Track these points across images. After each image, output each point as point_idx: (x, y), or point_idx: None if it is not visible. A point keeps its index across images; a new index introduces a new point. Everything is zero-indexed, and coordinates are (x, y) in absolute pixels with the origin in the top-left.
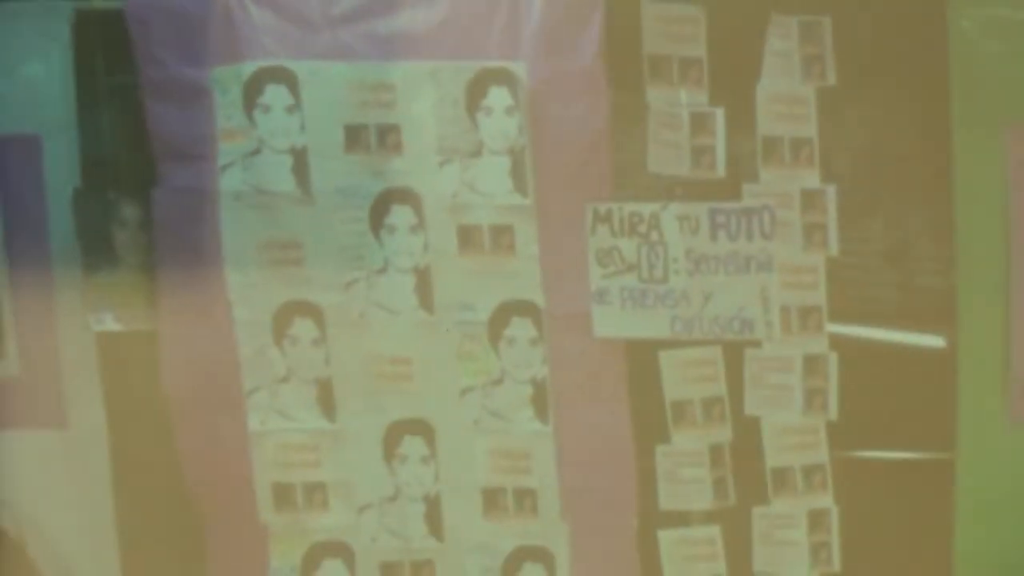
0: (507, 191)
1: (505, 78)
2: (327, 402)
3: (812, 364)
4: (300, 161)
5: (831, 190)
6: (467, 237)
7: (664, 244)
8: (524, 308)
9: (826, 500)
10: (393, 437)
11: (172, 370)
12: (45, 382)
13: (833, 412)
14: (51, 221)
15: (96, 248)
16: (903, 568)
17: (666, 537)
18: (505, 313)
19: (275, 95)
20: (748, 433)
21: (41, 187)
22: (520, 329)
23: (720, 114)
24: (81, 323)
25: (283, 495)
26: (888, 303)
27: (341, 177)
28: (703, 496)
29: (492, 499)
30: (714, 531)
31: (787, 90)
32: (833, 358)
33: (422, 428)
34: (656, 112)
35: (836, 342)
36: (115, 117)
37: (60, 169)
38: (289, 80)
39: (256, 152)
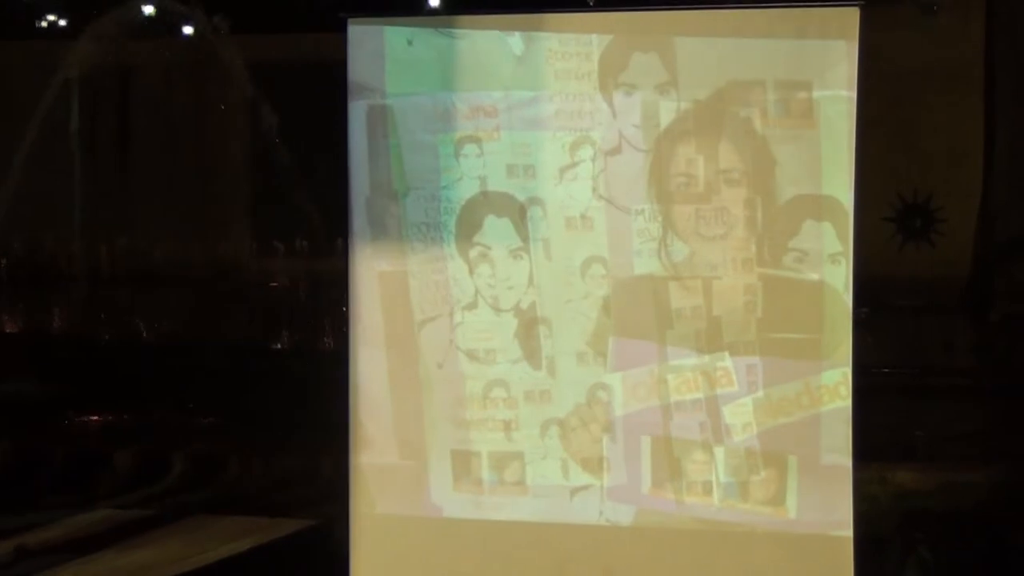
0: (589, 199)
1: (588, 141)
2: None
3: None
4: (484, 182)
5: None
6: (569, 222)
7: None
8: (598, 260)
9: None
10: None
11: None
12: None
13: None
14: (355, 219)
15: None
16: None
17: None
18: (588, 263)
19: (470, 149)
20: None
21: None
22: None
23: None
24: (369, 266)
25: None
26: None
27: (503, 189)
28: None
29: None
30: None
31: None
32: None
33: None
34: None
35: None
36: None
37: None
38: (478, 141)
39: (460, 179)
